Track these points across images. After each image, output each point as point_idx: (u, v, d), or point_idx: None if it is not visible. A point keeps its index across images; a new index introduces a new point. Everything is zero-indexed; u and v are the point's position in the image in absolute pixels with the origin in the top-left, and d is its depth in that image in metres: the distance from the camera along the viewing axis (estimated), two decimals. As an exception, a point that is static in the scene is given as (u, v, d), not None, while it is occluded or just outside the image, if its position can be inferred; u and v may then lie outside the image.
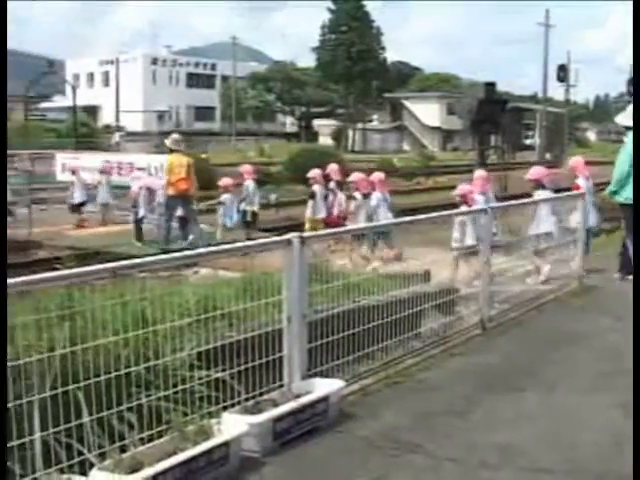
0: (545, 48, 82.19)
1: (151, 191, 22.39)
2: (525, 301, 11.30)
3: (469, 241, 12.28)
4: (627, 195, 12.18)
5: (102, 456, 5.20)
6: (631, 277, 11.92)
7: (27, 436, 4.99)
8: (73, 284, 5.71)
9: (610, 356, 8.83)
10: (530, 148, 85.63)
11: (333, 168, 21.02)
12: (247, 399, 6.36)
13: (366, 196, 18.05)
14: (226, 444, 5.67)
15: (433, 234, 12.62)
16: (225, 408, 6.12)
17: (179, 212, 20.53)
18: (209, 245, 16.28)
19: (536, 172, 14.37)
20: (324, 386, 6.86)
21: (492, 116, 21.65)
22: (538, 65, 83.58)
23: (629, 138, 12.40)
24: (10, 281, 5.12)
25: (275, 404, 6.41)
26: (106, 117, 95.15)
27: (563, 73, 77.88)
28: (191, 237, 20.16)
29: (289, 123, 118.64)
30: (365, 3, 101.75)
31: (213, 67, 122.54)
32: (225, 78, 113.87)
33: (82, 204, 25.90)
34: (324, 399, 6.71)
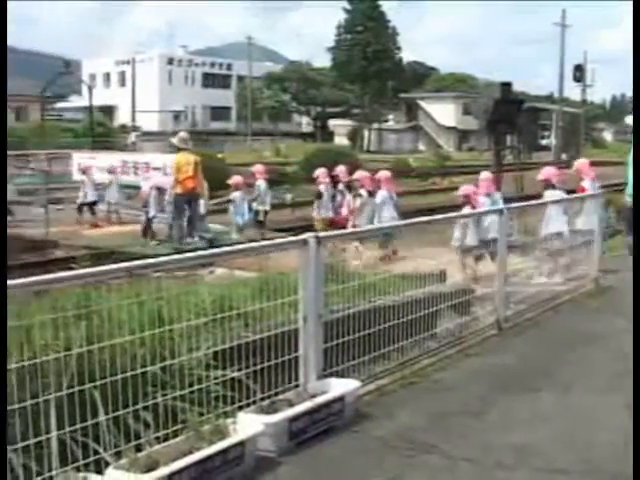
0: (561, 48, 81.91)
1: (161, 190, 22.49)
2: (541, 302, 11.27)
3: (469, 242, 12.30)
4: None
5: (118, 455, 5.22)
6: None
7: (44, 434, 5.01)
8: (89, 284, 5.73)
9: (626, 357, 8.78)
10: (546, 148, 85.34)
11: (342, 169, 21.16)
12: (263, 399, 6.37)
13: (371, 194, 18.31)
14: (242, 444, 5.68)
15: (449, 234, 12.64)
16: (241, 408, 6.13)
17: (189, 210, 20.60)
18: (219, 244, 16.36)
19: (546, 172, 14.37)
20: (340, 386, 6.86)
21: (508, 116, 21.57)
22: (554, 65, 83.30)
23: None
24: (27, 280, 5.15)
25: (291, 404, 6.41)
26: (122, 117, 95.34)
27: (579, 73, 77.63)
28: (196, 235, 20.19)
29: (305, 123, 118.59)
30: (381, 3, 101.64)
31: (229, 67, 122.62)
32: (241, 78, 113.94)
33: (93, 203, 25.97)
34: (340, 399, 6.71)
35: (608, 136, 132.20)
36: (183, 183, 19.91)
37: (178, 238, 20.10)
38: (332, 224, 19.35)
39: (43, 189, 25.21)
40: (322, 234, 7.34)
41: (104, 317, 5.54)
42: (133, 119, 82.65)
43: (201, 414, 5.74)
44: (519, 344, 9.59)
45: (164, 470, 5.10)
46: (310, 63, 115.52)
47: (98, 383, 5.30)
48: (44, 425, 5.03)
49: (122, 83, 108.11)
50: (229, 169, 35.12)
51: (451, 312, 9.27)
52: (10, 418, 4.90)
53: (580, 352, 9.14)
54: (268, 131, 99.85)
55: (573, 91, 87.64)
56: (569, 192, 14.44)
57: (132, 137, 65.56)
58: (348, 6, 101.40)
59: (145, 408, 5.53)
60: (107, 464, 5.16)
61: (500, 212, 10.43)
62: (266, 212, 22.02)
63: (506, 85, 21.52)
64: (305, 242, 6.89)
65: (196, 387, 5.87)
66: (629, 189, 12.61)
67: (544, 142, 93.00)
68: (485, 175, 15.45)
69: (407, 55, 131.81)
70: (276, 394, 6.52)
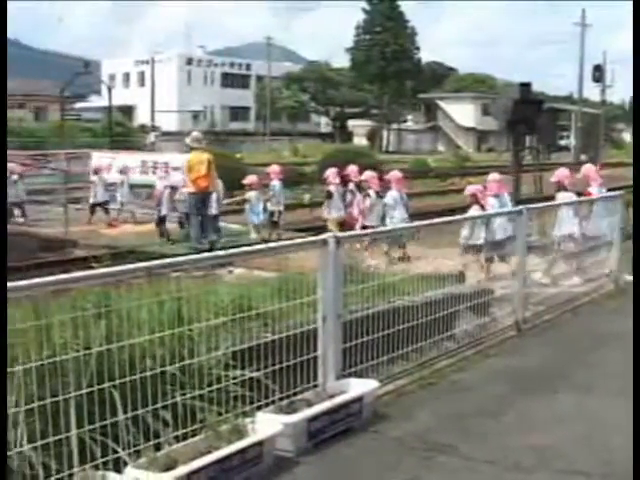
0: (581, 48, 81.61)
1: (175, 189, 22.60)
2: (560, 303, 11.24)
3: (477, 240, 12.32)
4: None
5: (137, 454, 5.23)
6: None
7: (63, 433, 5.03)
8: (109, 283, 5.74)
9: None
10: (565, 149, 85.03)
11: (352, 169, 21.31)
12: (281, 399, 6.37)
13: (379, 194, 18.49)
14: (260, 443, 5.69)
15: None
16: (259, 408, 6.13)
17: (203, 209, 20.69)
18: (236, 244, 16.38)
19: (559, 174, 14.40)
20: (358, 386, 6.86)
21: (528, 117, 21.51)
22: (574, 65, 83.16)
23: None
24: (47, 279, 5.17)
25: (309, 404, 6.42)
26: (141, 117, 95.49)
27: (599, 73, 77.25)
28: (206, 235, 20.26)
29: (323, 123, 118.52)
30: (400, 3, 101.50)
31: (248, 67, 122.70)
32: (260, 78, 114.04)
33: (104, 203, 26.06)
34: (358, 399, 6.71)
35: (627, 137, 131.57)
36: (196, 182, 19.96)
37: (195, 237, 20.14)
38: (343, 225, 19.46)
39: (62, 188, 25.28)
40: (342, 234, 7.35)
41: (123, 316, 5.56)
42: (152, 119, 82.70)
43: (220, 414, 5.75)
44: (538, 346, 9.56)
45: (183, 469, 5.11)
46: (329, 63, 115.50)
47: (117, 382, 5.31)
48: (63, 423, 5.05)
49: (141, 83, 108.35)
50: (247, 169, 35.17)
51: (470, 313, 9.25)
52: (30, 416, 4.92)
53: (599, 354, 9.11)
54: (287, 131, 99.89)
55: (592, 91, 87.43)
56: (579, 195, 14.44)
57: (151, 137, 65.68)
58: (367, 6, 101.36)
59: (164, 407, 5.55)
60: (126, 463, 5.17)
61: (519, 212, 10.41)
62: (280, 212, 22.07)
63: (525, 85, 21.47)
64: (324, 242, 6.90)
65: (215, 387, 5.88)
66: None
67: (563, 143, 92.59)
68: (494, 176, 15.50)
69: (426, 55, 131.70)
70: (295, 394, 6.52)
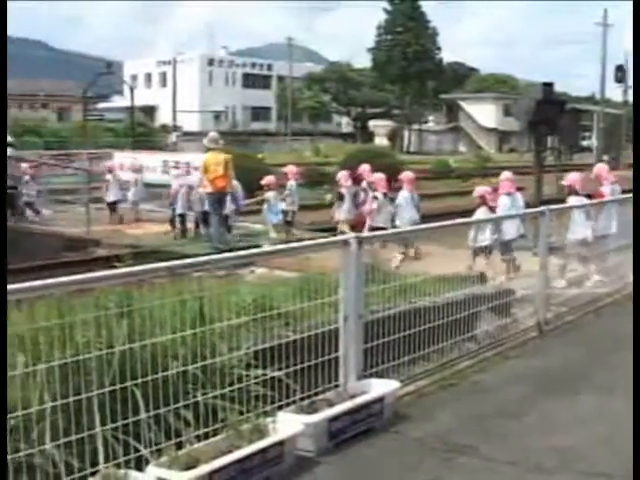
0: (603, 48, 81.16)
1: (190, 189, 22.74)
2: (582, 304, 11.20)
3: (483, 241, 12.38)
4: None
5: (158, 452, 5.25)
6: None
7: (86, 431, 5.06)
8: (131, 282, 5.77)
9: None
10: (587, 150, 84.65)
11: (365, 168, 21.66)
12: (302, 399, 6.38)
13: (386, 195, 18.86)
14: (281, 443, 5.70)
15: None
16: (280, 407, 6.14)
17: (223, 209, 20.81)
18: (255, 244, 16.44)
19: (570, 179, 14.44)
20: (380, 387, 6.86)
21: (550, 117, 21.42)
22: (596, 66, 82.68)
23: None
24: (70, 278, 5.20)
25: (330, 404, 6.42)
26: (163, 117, 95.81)
27: (621, 73, 76.82)
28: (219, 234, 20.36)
29: (345, 123, 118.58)
30: (421, 3, 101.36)
31: (269, 67, 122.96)
32: (281, 78, 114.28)
33: (116, 202, 26.18)
34: (379, 400, 6.71)
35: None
36: (213, 182, 20.06)
37: (215, 236, 20.23)
38: (354, 227, 19.65)
39: (85, 188, 25.39)
40: (364, 235, 7.36)
41: (146, 316, 5.58)
42: (174, 119, 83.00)
43: (241, 413, 5.76)
44: (560, 346, 9.53)
45: (204, 468, 5.13)
46: (350, 64, 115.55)
47: (139, 381, 5.34)
48: (86, 422, 5.08)
49: (163, 83, 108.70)
50: (269, 169, 35.23)
51: (491, 314, 9.23)
52: (53, 414, 4.95)
53: (621, 355, 9.05)
54: (308, 131, 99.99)
55: (615, 92, 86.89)
56: (590, 198, 14.43)
57: (173, 137, 65.90)
58: (388, 6, 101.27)
59: (186, 406, 5.57)
60: (148, 461, 5.20)
61: (542, 213, 10.40)
62: (294, 212, 22.14)
63: (548, 86, 21.36)
64: (346, 242, 6.90)
65: (236, 386, 5.90)
66: None
67: (585, 143, 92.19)
68: (506, 175, 15.62)
69: (447, 55, 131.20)
70: (316, 394, 6.53)
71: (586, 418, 7.05)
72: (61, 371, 5.05)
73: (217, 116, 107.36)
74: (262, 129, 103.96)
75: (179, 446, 5.36)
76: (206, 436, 5.57)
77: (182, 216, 22.75)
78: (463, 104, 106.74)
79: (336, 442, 6.24)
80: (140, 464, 5.21)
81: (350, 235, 7.08)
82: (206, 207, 21.11)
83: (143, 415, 5.29)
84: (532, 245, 12.20)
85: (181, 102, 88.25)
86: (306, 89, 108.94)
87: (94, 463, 5.05)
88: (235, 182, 21.29)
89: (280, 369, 6.15)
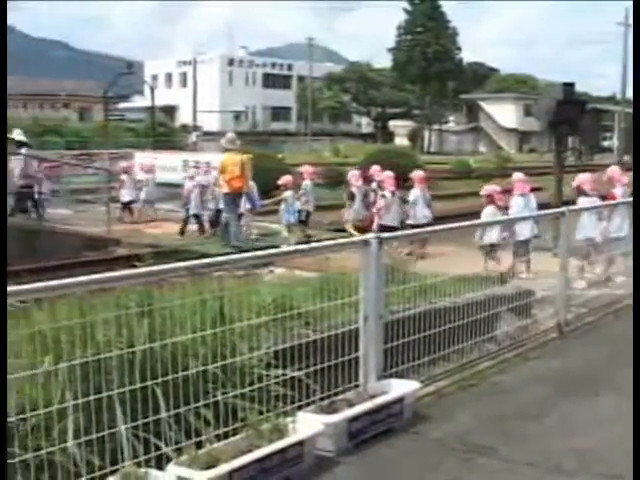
0: (624, 48, 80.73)
1: (204, 188, 22.82)
2: (602, 305, 11.16)
3: (489, 240, 12.44)
4: None
5: (178, 451, 5.27)
6: None
7: (106, 429, 5.08)
8: (152, 282, 5.79)
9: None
10: (608, 150, 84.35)
11: (376, 168, 21.88)
12: (322, 399, 6.38)
13: (394, 194, 19.27)
14: (301, 443, 5.70)
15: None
16: (300, 407, 6.15)
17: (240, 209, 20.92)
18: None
19: (579, 179, 14.46)
20: (400, 387, 6.85)
21: (570, 117, 21.30)
22: (617, 65, 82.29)
23: None
24: (91, 278, 5.23)
25: (350, 404, 6.42)
26: (183, 117, 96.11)
27: (643, 73, 76.35)
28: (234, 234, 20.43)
29: (365, 124, 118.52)
30: (441, 3, 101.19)
31: (289, 68, 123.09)
32: (301, 78, 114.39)
33: (131, 202, 26.26)
34: (399, 400, 6.70)
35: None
36: (229, 183, 20.15)
37: (233, 235, 20.30)
38: (365, 228, 19.83)
39: (105, 188, 25.51)
40: (385, 235, 7.35)
41: (166, 315, 5.60)
42: (194, 119, 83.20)
43: (261, 413, 5.77)
44: (580, 348, 9.50)
45: (224, 467, 5.14)
46: (370, 64, 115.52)
47: (160, 380, 5.36)
48: (107, 420, 5.10)
49: (183, 84, 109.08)
50: (289, 169, 35.26)
51: (511, 315, 9.21)
52: (75, 412, 4.98)
53: (642, 357, 9.02)
54: (328, 131, 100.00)
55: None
56: (602, 199, 14.40)
57: (193, 137, 65.96)
58: (408, 6, 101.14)
59: (206, 406, 5.58)
60: (168, 460, 5.21)
61: (562, 214, 10.37)
62: (308, 212, 22.18)
63: (569, 86, 21.25)
64: (367, 243, 6.90)
65: (256, 386, 5.91)
66: None
67: (606, 144, 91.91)
68: (518, 176, 15.71)
69: (467, 56, 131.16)
70: (336, 394, 6.53)
71: (606, 420, 7.02)
72: (82, 370, 5.07)
73: (237, 116, 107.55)
74: (282, 129, 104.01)
75: (199, 445, 5.37)
76: (226, 435, 5.58)
77: (196, 216, 22.87)
78: (483, 104, 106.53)
79: (356, 442, 6.24)
80: (160, 463, 5.22)
81: (370, 235, 7.07)
82: (220, 206, 21.28)
83: (164, 414, 5.31)
84: (552, 246, 12.18)
85: (201, 102, 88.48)
86: (326, 89, 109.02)
87: (114, 461, 5.07)
88: (251, 182, 21.38)
89: (300, 369, 6.15)
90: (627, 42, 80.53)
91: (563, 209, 10.80)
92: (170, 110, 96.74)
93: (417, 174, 19.51)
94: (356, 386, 6.78)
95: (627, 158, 69.86)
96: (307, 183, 22.45)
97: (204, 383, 5.61)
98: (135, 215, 25.94)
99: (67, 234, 22.76)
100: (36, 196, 25.83)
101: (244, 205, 21.16)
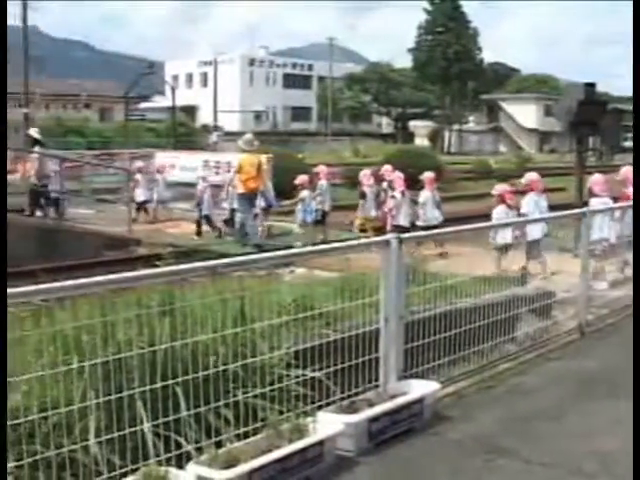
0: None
1: (218, 188, 22.92)
2: (624, 306, 11.10)
3: (502, 240, 12.47)
4: None
5: (199, 450, 5.28)
6: None
7: (127, 428, 5.10)
8: (173, 282, 5.81)
9: None
10: (630, 150, 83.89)
11: (387, 168, 22.25)
12: (342, 399, 6.39)
13: (404, 194, 19.49)
14: (321, 443, 5.70)
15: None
16: (320, 407, 6.15)
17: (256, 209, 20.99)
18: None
19: (592, 180, 14.46)
20: (420, 387, 6.85)
21: (592, 118, 21.19)
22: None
23: None
24: (112, 277, 5.25)
25: (371, 404, 6.42)
26: (204, 117, 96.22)
27: (665, 74, 76.01)
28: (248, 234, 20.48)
29: (385, 124, 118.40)
30: (462, 3, 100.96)
31: (310, 68, 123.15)
32: (321, 79, 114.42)
33: (145, 202, 26.31)
34: (419, 400, 6.70)
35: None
36: (245, 183, 20.24)
37: (250, 235, 20.36)
38: (379, 229, 20.05)
39: (126, 187, 25.58)
40: (405, 235, 7.34)
41: (187, 314, 5.62)
42: (215, 119, 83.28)
43: (281, 412, 5.77)
44: (601, 349, 9.47)
45: (244, 467, 5.15)
46: (391, 64, 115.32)
47: (180, 379, 5.37)
48: (127, 419, 5.12)
49: (204, 84, 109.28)
50: (309, 169, 35.28)
51: (532, 315, 9.19)
52: (96, 411, 5.00)
53: (664, 358, 8.98)
54: (348, 131, 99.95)
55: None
56: (615, 200, 14.34)
57: (213, 137, 66.07)
58: (429, 6, 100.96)
59: (226, 405, 5.60)
60: (188, 459, 5.23)
61: (583, 214, 10.35)
62: (324, 212, 22.19)
63: (590, 86, 21.14)
64: (387, 243, 6.90)
65: (276, 386, 5.92)
66: None
67: (627, 144, 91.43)
68: (532, 176, 15.73)
69: (488, 56, 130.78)
70: (356, 394, 6.53)
71: (627, 422, 6.98)
72: (103, 369, 5.10)
73: (258, 116, 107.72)
74: (302, 129, 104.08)
75: (219, 445, 5.38)
76: (246, 435, 5.59)
77: (207, 217, 22.97)
78: (504, 104, 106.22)
79: (376, 442, 6.24)
80: (180, 462, 5.24)
81: (391, 235, 7.07)
82: (235, 206, 21.39)
83: (184, 413, 5.33)
84: (572, 247, 12.15)
85: (222, 102, 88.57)
86: (346, 89, 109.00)
87: (134, 460, 5.09)
88: (268, 182, 21.47)
89: (320, 369, 6.16)
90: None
91: (584, 210, 10.77)
92: (191, 110, 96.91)
93: (427, 176, 19.66)
94: (376, 386, 6.78)
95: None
96: (323, 183, 22.47)
97: (224, 382, 5.62)
98: (150, 215, 25.98)
99: (87, 233, 22.86)
100: (51, 195, 25.95)
101: (259, 204, 21.22)
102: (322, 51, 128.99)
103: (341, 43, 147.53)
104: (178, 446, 5.28)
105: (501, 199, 15.22)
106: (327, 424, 5.88)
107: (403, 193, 19.58)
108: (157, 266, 5.87)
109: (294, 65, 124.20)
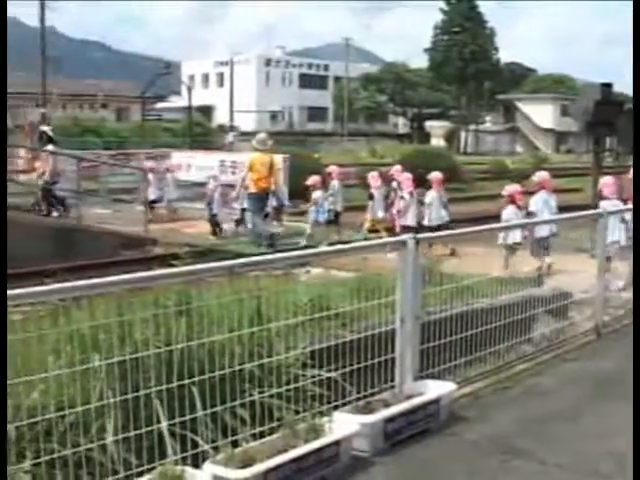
0: (664, 49, 79.98)
1: (228, 188, 22.97)
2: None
3: (512, 239, 12.50)
4: None
5: (215, 450, 5.29)
6: None
7: (143, 427, 5.11)
8: (190, 281, 5.82)
9: None
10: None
11: (397, 168, 22.37)
12: (358, 399, 6.39)
13: (412, 194, 19.65)
14: (336, 443, 5.71)
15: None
16: (336, 407, 6.15)
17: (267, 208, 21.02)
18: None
19: (602, 183, 14.45)
20: (436, 388, 6.84)
21: (609, 118, 21.12)
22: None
23: None
24: (128, 277, 5.27)
25: (386, 404, 6.42)
26: (220, 117, 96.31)
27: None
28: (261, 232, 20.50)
29: (401, 124, 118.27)
30: (478, 3, 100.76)
31: (326, 68, 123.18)
32: (338, 79, 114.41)
33: (156, 201, 26.36)
34: (435, 401, 6.69)
35: None
36: (257, 183, 20.25)
37: (263, 235, 20.38)
38: (390, 229, 20.17)
39: (142, 187, 25.63)
40: (421, 235, 7.33)
41: (204, 314, 5.63)
42: (231, 119, 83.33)
43: (297, 412, 5.78)
44: (618, 350, 9.42)
45: (260, 467, 5.15)
46: (407, 64, 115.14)
47: (196, 379, 5.39)
48: (144, 418, 5.14)
49: (220, 84, 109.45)
50: (325, 170, 35.27)
51: (548, 316, 9.16)
52: (113, 410, 5.02)
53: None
54: (364, 132, 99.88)
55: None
56: (625, 202, 14.28)
57: (230, 137, 66.09)
58: (445, 7, 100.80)
59: (242, 405, 5.60)
60: (204, 459, 5.24)
61: (600, 215, 10.32)
62: (337, 212, 22.19)
63: (607, 86, 21.07)
64: (404, 243, 6.89)
65: (292, 386, 5.92)
66: None
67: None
68: (543, 176, 15.76)
69: (505, 56, 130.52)
70: (372, 394, 6.53)
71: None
72: (120, 368, 5.11)
73: (274, 116, 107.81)
74: (318, 129, 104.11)
75: (235, 444, 5.39)
76: (262, 435, 5.59)
77: (215, 216, 23.04)
78: (520, 104, 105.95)
79: (392, 443, 6.24)
80: (195, 462, 5.25)
81: (408, 236, 7.06)
82: (245, 205, 21.45)
83: (200, 413, 5.34)
84: (589, 247, 12.10)
85: (238, 102, 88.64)
86: (362, 89, 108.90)
87: (151, 459, 5.11)
88: (281, 181, 21.50)
89: (336, 369, 6.16)
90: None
91: (600, 211, 10.73)
92: (207, 110, 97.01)
93: (434, 176, 19.86)
94: (392, 387, 6.78)
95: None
96: (335, 183, 22.47)
97: (240, 382, 5.63)
98: (163, 214, 26.02)
99: (104, 233, 22.92)
100: (62, 194, 26.01)
101: (271, 204, 21.24)
102: (338, 51, 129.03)
103: (357, 43, 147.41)
104: (194, 445, 5.30)
105: (511, 199, 15.37)
106: (343, 424, 5.88)
107: (412, 194, 19.71)
108: (173, 266, 5.88)
109: (310, 65, 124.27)
